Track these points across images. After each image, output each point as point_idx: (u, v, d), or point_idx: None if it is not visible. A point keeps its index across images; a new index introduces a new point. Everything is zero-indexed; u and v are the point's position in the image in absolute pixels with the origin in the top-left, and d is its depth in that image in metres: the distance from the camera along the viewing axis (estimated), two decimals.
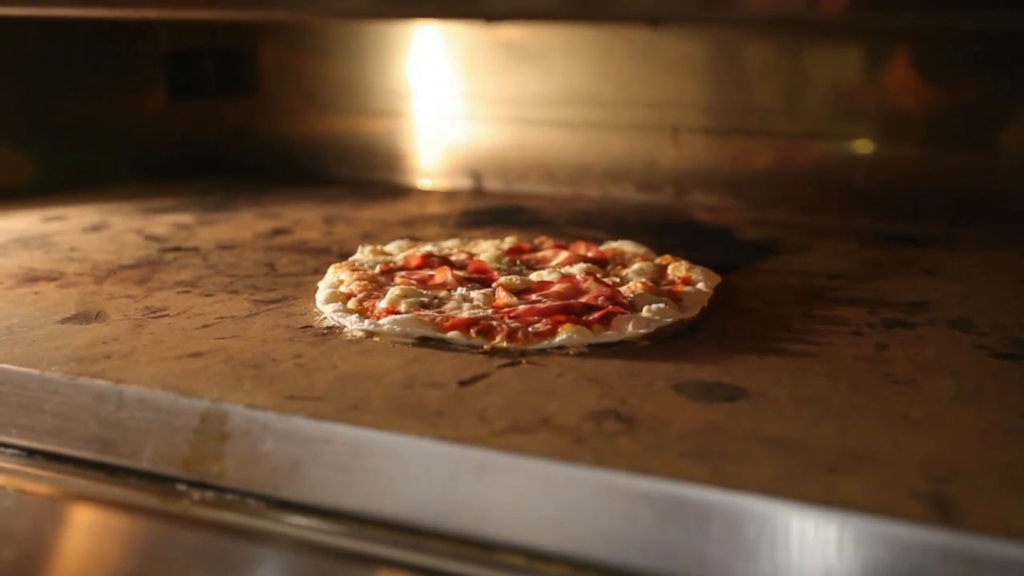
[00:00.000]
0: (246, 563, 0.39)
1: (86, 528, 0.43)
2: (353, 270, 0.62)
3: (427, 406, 0.42)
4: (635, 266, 0.64)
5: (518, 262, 0.65)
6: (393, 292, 0.56)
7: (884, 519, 0.33)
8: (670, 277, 0.61)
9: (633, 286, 0.58)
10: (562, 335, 0.50)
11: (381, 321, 0.52)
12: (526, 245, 0.70)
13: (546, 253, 0.67)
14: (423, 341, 0.51)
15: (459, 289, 0.58)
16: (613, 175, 1.07)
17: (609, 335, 0.51)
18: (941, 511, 0.33)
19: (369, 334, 0.52)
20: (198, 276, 0.66)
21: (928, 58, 0.97)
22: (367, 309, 0.54)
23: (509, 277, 0.59)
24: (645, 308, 0.54)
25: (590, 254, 0.67)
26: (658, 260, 0.65)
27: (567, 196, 1.07)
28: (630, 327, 0.51)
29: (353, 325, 0.53)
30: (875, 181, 0.97)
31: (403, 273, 0.62)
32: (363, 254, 0.68)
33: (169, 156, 1.17)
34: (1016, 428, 0.41)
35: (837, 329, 0.55)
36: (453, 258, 0.66)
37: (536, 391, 0.44)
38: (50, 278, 0.64)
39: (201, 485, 0.42)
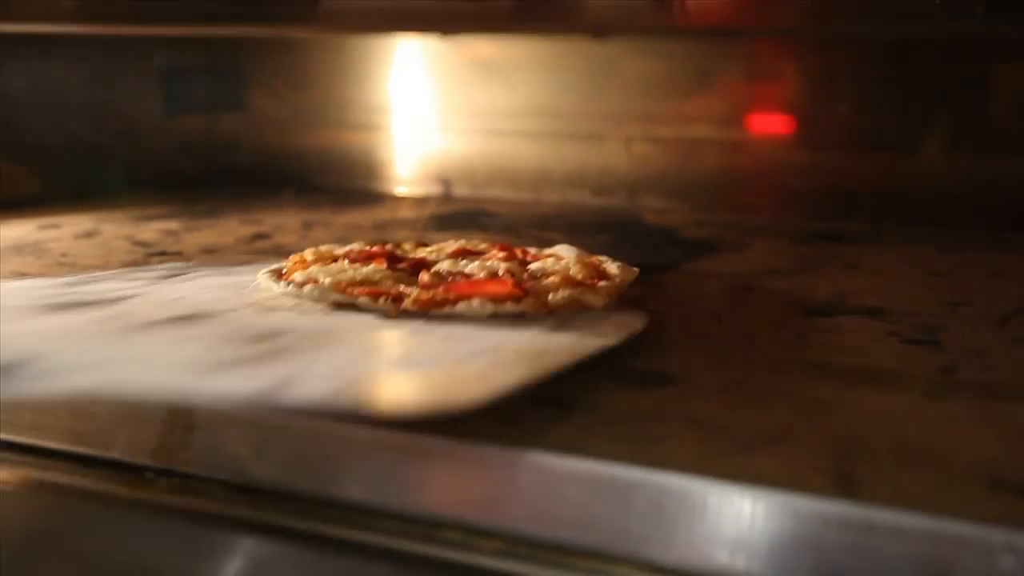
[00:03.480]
0: (209, 542, 0.39)
1: (60, 514, 0.42)
2: (300, 261, 0.61)
3: None
4: (550, 261, 0.61)
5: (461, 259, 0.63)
6: (322, 269, 0.56)
7: (790, 493, 0.33)
8: (583, 275, 0.58)
9: (551, 281, 0.55)
10: (464, 304, 0.50)
11: (304, 288, 0.52)
12: (471, 247, 0.67)
13: (489, 254, 0.65)
14: (337, 307, 0.51)
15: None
16: (571, 181, 1.07)
17: (509, 307, 0.50)
18: (842, 485, 0.33)
19: (292, 298, 0.53)
20: None
21: (855, 68, 0.97)
22: (293, 281, 0.54)
23: (439, 267, 0.59)
24: (552, 296, 0.52)
25: (528, 258, 0.64)
26: (586, 260, 0.62)
27: (529, 200, 1.07)
28: (528, 304, 0.51)
29: (277, 289, 0.54)
30: (807, 183, 0.97)
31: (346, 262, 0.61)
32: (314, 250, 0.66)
33: (164, 168, 1.16)
34: (917, 407, 0.41)
35: (763, 319, 0.55)
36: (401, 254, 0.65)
37: None
38: None
39: (169, 473, 0.41)
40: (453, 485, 0.37)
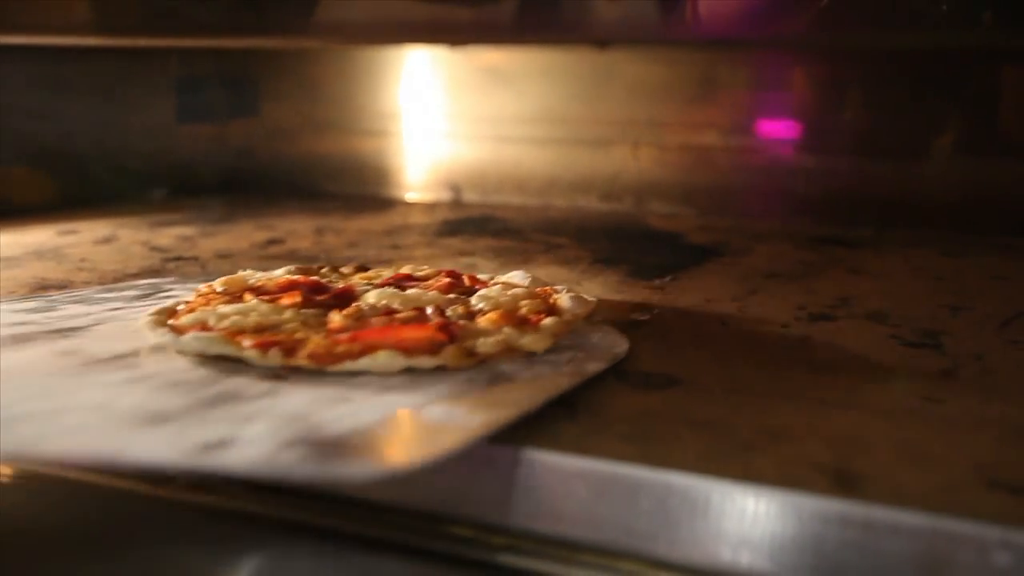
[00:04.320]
0: (229, 538, 0.40)
1: (85, 509, 0.43)
2: (208, 291, 0.53)
3: None
4: (496, 289, 0.53)
5: (387, 287, 0.54)
6: (214, 311, 0.47)
7: (791, 492, 0.33)
8: (527, 310, 0.50)
9: (487, 319, 0.48)
10: (368, 358, 0.42)
11: (182, 338, 0.44)
12: (416, 273, 0.58)
13: (430, 283, 0.56)
14: (222, 360, 0.43)
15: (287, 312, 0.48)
16: (578, 187, 1.08)
17: (425, 361, 0.42)
18: (842, 484, 0.33)
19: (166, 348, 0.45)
20: None
21: (861, 74, 0.98)
22: (178, 326, 0.46)
23: (365, 299, 0.51)
24: (480, 341, 0.44)
25: (476, 286, 0.55)
26: (537, 290, 0.54)
27: (537, 206, 1.08)
28: (448, 355, 0.43)
29: (153, 338, 0.46)
30: (812, 189, 0.98)
31: (256, 295, 0.52)
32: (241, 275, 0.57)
33: (178, 175, 1.17)
34: (917, 409, 0.41)
35: (767, 322, 0.56)
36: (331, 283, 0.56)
37: None
38: (59, 287, 0.64)
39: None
40: (463, 482, 0.38)
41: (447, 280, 0.55)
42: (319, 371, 0.41)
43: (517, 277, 0.57)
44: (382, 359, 0.41)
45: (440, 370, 0.42)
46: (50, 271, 0.69)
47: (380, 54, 1.17)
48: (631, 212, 1.03)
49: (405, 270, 0.59)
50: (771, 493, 0.34)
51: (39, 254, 0.76)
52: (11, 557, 0.41)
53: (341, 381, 0.41)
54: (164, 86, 1.18)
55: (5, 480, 0.43)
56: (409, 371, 0.42)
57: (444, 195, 1.14)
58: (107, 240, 0.83)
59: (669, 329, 0.54)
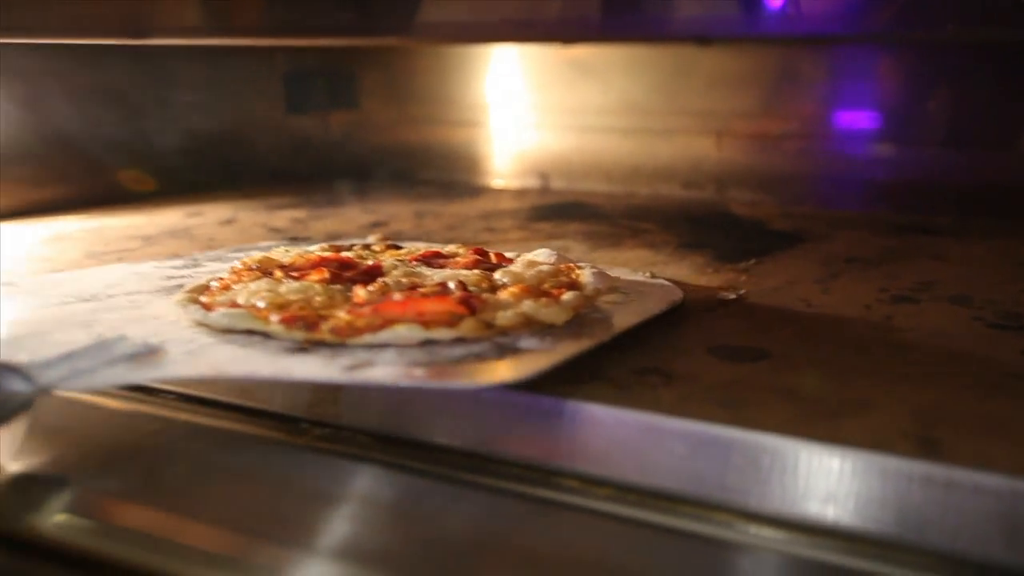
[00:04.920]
0: (353, 482, 0.43)
1: (231, 455, 0.47)
2: (243, 268, 0.54)
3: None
4: (519, 265, 0.53)
5: (416, 264, 0.55)
6: (247, 288, 0.49)
7: (877, 453, 0.35)
8: (549, 284, 0.50)
9: (509, 293, 0.48)
10: (388, 330, 0.42)
11: (211, 314, 0.46)
12: (442, 250, 0.59)
13: (457, 259, 0.56)
14: (251, 335, 0.45)
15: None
16: (661, 175, 1.09)
17: (443, 333, 0.43)
18: (926, 447, 0.35)
19: (200, 325, 0.46)
20: None
21: (944, 64, 0.96)
22: (208, 303, 0.48)
23: (392, 275, 0.51)
24: (499, 313, 0.45)
25: (502, 263, 0.56)
26: (561, 267, 0.53)
27: (622, 193, 1.09)
28: (467, 327, 0.43)
29: (187, 315, 0.47)
30: (893, 178, 0.97)
31: (286, 272, 0.53)
32: (277, 252, 0.58)
33: (288, 161, 1.23)
34: (999, 383, 0.42)
35: (850, 303, 0.57)
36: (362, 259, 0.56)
37: None
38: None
39: (321, 424, 0.46)
40: (570, 440, 0.40)
41: (474, 257, 0.55)
42: (341, 344, 0.42)
43: (543, 255, 0.56)
44: (402, 331, 0.42)
45: (459, 342, 0.43)
46: (183, 248, 0.75)
47: (471, 50, 1.21)
48: (713, 199, 1.04)
49: (433, 248, 0.59)
50: (856, 453, 0.36)
51: (173, 233, 0.82)
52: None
53: (358, 353, 0.42)
54: (273, 80, 1.24)
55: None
56: (428, 344, 0.42)
57: (532, 182, 1.17)
58: (229, 222, 0.89)
59: (755, 308, 0.56)
